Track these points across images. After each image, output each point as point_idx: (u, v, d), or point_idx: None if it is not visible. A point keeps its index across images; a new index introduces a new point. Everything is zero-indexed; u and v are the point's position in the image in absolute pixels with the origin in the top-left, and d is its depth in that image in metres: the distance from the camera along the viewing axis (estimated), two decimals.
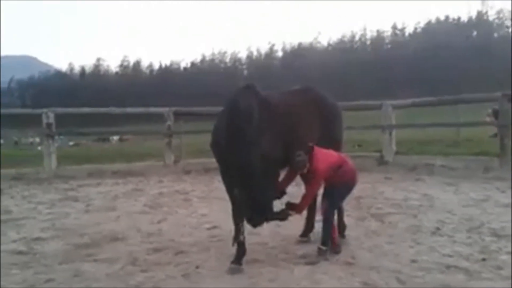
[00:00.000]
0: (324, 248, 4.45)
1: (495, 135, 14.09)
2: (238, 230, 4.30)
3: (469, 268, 4.00)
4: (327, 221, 4.52)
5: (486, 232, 5.13)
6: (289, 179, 4.58)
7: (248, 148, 3.97)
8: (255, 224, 4.15)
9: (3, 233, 5.70)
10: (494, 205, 6.51)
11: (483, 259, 4.23)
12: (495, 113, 15.00)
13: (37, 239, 5.45)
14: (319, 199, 4.79)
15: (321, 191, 4.67)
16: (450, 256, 4.37)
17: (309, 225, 5.12)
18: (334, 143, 4.93)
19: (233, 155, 4.03)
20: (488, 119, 17.33)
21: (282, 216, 4.36)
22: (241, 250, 4.29)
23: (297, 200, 4.51)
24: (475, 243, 4.76)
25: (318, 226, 4.99)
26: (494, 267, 4.01)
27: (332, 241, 4.56)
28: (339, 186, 4.53)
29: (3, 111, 14.09)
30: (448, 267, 4.05)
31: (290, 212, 4.39)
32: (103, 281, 3.99)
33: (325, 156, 4.43)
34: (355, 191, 4.90)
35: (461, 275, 3.85)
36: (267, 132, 4.22)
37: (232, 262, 4.20)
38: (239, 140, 3.99)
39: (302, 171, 4.42)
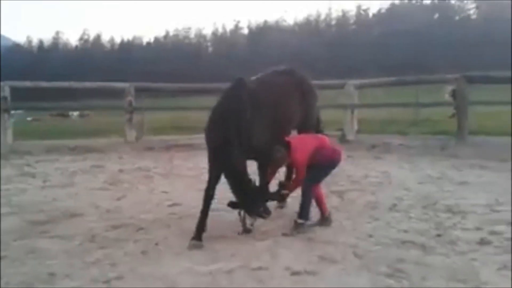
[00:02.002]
0: (300, 221, 4.54)
1: (453, 115, 14.55)
2: (204, 216, 4.36)
3: (424, 243, 4.10)
4: (305, 196, 4.61)
5: (441, 209, 5.28)
6: (272, 173, 4.87)
7: (232, 152, 4.18)
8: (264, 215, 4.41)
9: None
10: (450, 182, 6.71)
11: (438, 235, 4.35)
12: (454, 93, 15.45)
13: None
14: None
15: None
16: (406, 231, 4.48)
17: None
18: (314, 121, 5.42)
19: (219, 155, 4.30)
20: (447, 96, 17.80)
21: (276, 197, 4.71)
22: (201, 226, 4.29)
23: None
24: (431, 219, 4.90)
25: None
26: (448, 242, 4.13)
27: (322, 211, 4.77)
28: (318, 165, 4.62)
29: None
30: (404, 242, 4.15)
31: (283, 191, 4.72)
32: (59, 257, 3.90)
33: (302, 147, 4.55)
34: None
35: (416, 250, 3.95)
36: (257, 125, 4.43)
37: (193, 238, 4.19)
38: (226, 144, 4.20)
39: (282, 165, 4.68)
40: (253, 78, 5.08)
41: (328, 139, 4.93)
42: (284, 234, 4.44)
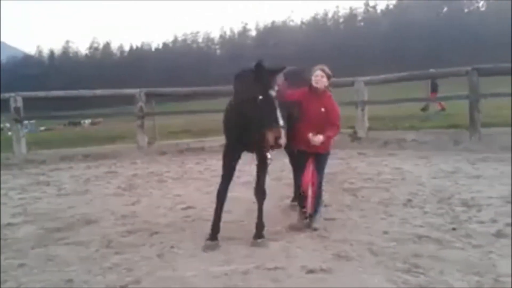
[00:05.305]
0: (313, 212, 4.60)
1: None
2: (217, 215, 4.37)
3: (440, 238, 4.07)
4: (319, 188, 4.66)
5: (456, 203, 5.25)
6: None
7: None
8: None
9: None
10: (464, 176, 6.65)
11: (454, 229, 4.32)
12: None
13: (9, 224, 5.33)
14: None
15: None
16: (421, 226, 4.46)
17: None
18: None
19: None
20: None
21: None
22: (216, 227, 4.30)
23: None
24: (446, 213, 4.87)
25: None
26: (464, 236, 4.10)
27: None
28: (326, 153, 4.71)
29: None
30: (420, 237, 4.12)
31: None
32: (76, 264, 3.93)
33: None
34: (329, 167, 4.92)
35: (432, 245, 3.92)
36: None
37: (208, 239, 4.20)
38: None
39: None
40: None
41: None
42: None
